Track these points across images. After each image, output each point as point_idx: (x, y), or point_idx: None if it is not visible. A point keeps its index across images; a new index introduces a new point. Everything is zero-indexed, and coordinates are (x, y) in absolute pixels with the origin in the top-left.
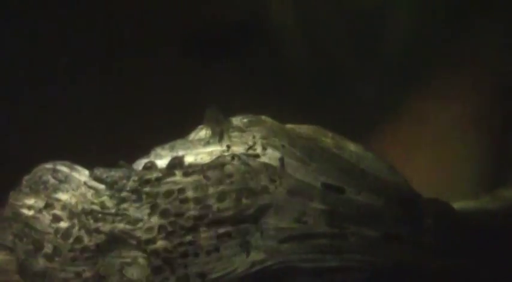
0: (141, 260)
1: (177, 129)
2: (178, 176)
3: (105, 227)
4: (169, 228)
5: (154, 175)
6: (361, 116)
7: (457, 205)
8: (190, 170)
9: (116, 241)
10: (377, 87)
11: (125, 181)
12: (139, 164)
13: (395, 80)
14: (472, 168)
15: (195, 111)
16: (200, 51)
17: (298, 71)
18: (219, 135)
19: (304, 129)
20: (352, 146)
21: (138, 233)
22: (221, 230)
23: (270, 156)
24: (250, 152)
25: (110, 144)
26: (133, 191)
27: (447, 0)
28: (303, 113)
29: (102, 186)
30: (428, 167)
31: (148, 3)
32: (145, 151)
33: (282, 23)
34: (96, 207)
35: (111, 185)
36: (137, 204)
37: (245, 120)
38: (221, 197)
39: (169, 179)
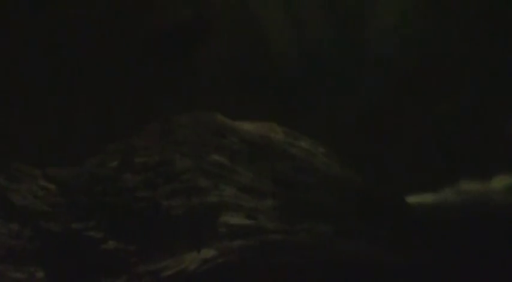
0: (93, 259)
1: (128, 128)
2: (129, 174)
3: (57, 227)
4: (120, 227)
5: (106, 174)
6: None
7: (414, 198)
8: (141, 168)
9: (68, 241)
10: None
11: (76, 180)
12: (91, 162)
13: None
14: (431, 161)
15: (148, 108)
16: (160, 50)
17: (251, 69)
18: (169, 134)
19: (255, 126)
20: (304, 142)
21: (90, 232)
22: (172, 228)
23: (221, 153)
24: (201, 150)
25: (61, 144)
26: (85, 190)
27: None
28: (258, 109)
29: (53, 186)
30: (384, 159)
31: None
32: (97, 150)
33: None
34: (48, 208)
35: (62, 185)
36: (87, 204)
37: (196, 117)
38: (172, 195)
39: (120, 178)
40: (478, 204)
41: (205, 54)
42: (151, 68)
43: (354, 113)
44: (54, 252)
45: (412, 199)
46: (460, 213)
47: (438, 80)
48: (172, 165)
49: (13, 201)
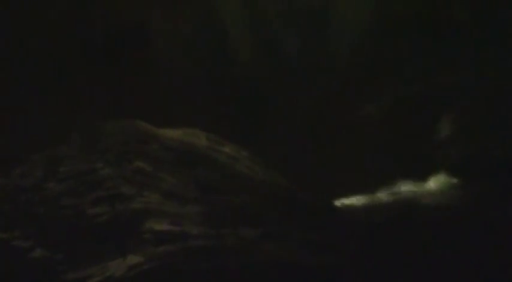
0: (20, 268)
1: (52, 136)
2: (53, 183)
3: None
4: (46, 236)
5: (30, 183)
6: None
7: (347, 201)
8: (64, 177)
9: None
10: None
11: (1, 190)
12: (15, 172)
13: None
14: (371, 163)
15: (75, 115)
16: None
17: (185, 75)
18: (92, 142)
19: (178, 133)
20: (227, 148)
21: (16, 241)
22: (97, 235)
23: (143, 160)
24: (123, 157)
25: None
26: (10, 199)
27: None
28: (206, 114)
29: None
30: (314, 162)
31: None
32: (21, 159)
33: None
34: None
35: None
36: (14, 213)
37: (118, 125)
38: (96, 203)
39: (44, 187)
40: (408, 205)
41: (147, 59)
42: (75, 72)
43: (299, 115)
44: None
45: (345, 201)
46: (389, 214)
47: (374, 79)
48: (96, 173)
49: None
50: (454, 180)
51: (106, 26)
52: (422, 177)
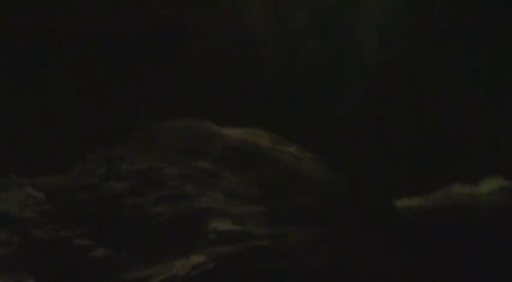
0: (82, 267)
1: (114, 135)
2: (115, 182)
3: (46, 235)
4: (109, 235)
5: (92, 181)
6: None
7: (402, 203)
8: (127, 176)
9: (57, 248)
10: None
11: (63, 188)
12: (77, 171)
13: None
14: (418, 164)
15: (132, 115)
16: (135, 54)
17: (237, 73)
18: (155, 141)
19: (241, 132)
20: (290, 148)
21: (78, 240)
22: (160, 235)
23: (207, 160)
24: (187, 156)
25: (47, 151)
26: (72, 197)
27: None
28: (245, 114)
29: (41, 194)
30: (372, 164)
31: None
32: (82, 157)
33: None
34: (36, 215)
35: (50, 193)
36: (75, 211)
37: (181, 124)
38: (159, 202)
39: (106, 185)
40: (466, 208)
41: (188, 58)
42: (133, 71)
43: (337, 116)
44: (42, 260)
45: (401, 203)
46: (448, 217)
47: (426, 82)
48: (159, 172)
49: (1, 209)
50: (508, 183)
51: (150, 25)
52: (474, 179)
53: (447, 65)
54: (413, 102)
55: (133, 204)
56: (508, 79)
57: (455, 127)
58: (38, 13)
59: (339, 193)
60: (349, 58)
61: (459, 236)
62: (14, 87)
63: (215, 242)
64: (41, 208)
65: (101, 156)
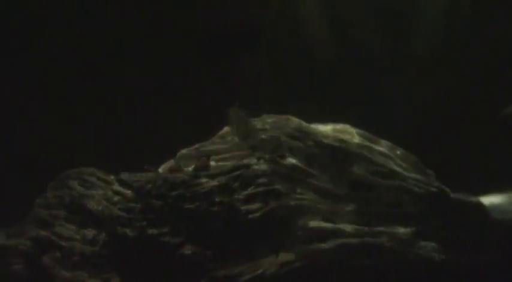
0: (170, 265)
1: (200, 131)
2: (204, 179)
3: (133, 233)
4: (198, 232)
5: (181, 179)
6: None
7: (486, 199)
8: (216, 173)
9: (144, 246)
10: (401, 85)
11: (151, 186)
12: (165, 167)
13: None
14: (503, 161)
15: (218, 112)
16: (212, 51)
17: (318, 68)
18: (244, 137)
19: (330, 128)
20: (380, 145)
21: (166, 238)
22: (250, 232)
23: (297, 156)
24: (277, 153)
25: (134, 149)
26: (160, 195)
27: None
28: (326, 110)
29: (128, 191)
30: (458, 161)
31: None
32: (170, 155)
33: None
34: (122, 213)
35: (137, 190)
36: (164, 209)
37: (270, 120)
38: (249, 199)
39: (195, 182)
40: None
41: (253, 59)
42: (204, 70)
43: (405, 112)
44: (129, 257)
45: (485, 200)
46: None
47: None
48: (249, 169)
49: (88, 207)
50: None
51: (220, 25)
52: None
53: None
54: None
55: (223, 202)
56: None
57: None
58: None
59: (428, 191)
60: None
61: None
62: (98, 85)
63: (304, 239)
64: (128, 206)
65: (188, 153)
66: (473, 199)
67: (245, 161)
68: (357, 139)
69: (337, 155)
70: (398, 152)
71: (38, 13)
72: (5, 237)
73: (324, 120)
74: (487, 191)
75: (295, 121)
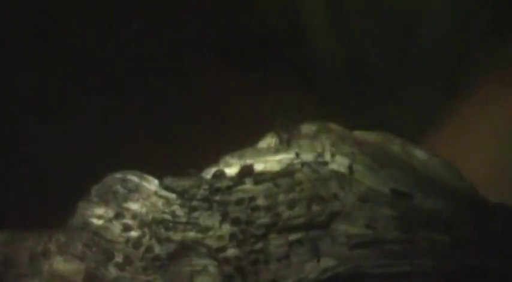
0: (211, 268)
1: (243, 137)
2: (248, 184)
3: (176, 236)
4: (240, 236)
5: (225, 183)
6: (408, 118)
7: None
8: (260, 178)
9: (186, 249)
10: (420, 89)
11: (195, 190)
12: (209, 172)
13: (439, 81)
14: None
15: (260, 117)
16: (242, 56)
17: (344, 76)
18: (288, 143)
19: (372, 135)
20: (419, 153)
21: (209, 242)
22: (292, 237)
23: (339, 163)
24: (320, 159)
25: (177, 153)
26: (204, 199)
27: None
28: (352, 117)
29: (172, 195)
30: (485, 170)
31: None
32: (213, 159)
33: (317, 25)
34: (167, 216)
35: (181, 194)
36: (208, 213)
37: (314, 127)
38: (292, 204)
39: (239, 187)
40: None
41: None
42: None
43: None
44: (172, 260)
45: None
46: None
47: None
48: (292, 174)
49: (132, 210)
50: None
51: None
52: None
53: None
54: None
55: (266, 207)
56: None
57: None
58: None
59: (466, 198)
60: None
61: None
62: (142, 88)
63: (345, 244)
64: (172, 209)
65: (231, 158)
66: (508, 206)
67: (289, 167)
68: (398, 146)
69: (379, 161)
70: (437, 160)
71: None
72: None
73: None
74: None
75: (338, 128)
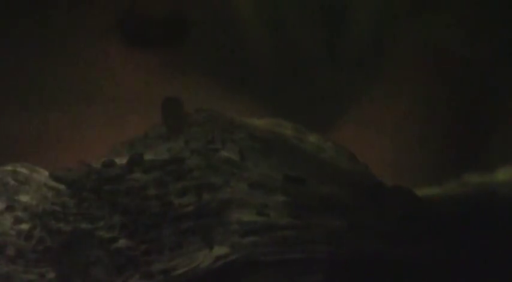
0: (105, 259)
1: (134, 125)
2: (138, 173)
3: (67, 227)
4: (131, 226)
5: (114, 173)
6: (322, 104)
7: (420, 192)
8: (150, 167)
9: (78, 241)
10: (336, 75)
11: (84, 180)
12: (98, 162)
13: (354, 68)
14: (434, 153)
15: (152, 106)
16: (145, 38)
17: (258, 62)
18: (177, 131)
19: (263, 121)
20: (312, 137)
21: (100, 232)
22: (183, 226)
23: (230, 149)
24: (211, 146)
25: (68, 143)
26: (94, 189)
27: None
28: (263, 105)
29: (62, 186)
30: (391, 154)
31: None
32: (104, 149)
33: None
34: (57, 208)
35: (71, 185)
36: (98, 203)
37: (203, 114)
38: (182, 192)
39: (129, 176)
40: (482, 196)
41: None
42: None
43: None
44: (64, 252)
45: (418, 192)
46: (465, 206)
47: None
48: (182, 162)
49: (23, 202)
50: None
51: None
52: (490, 168)
53: None
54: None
55: (157, 196)
56: None
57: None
58: None
59: (362, 183)
60: None
61: (476, 226)
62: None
63: (238, 232)
64: (62, 200)
65: (122, 148)
66: (409, 191)
67: (179, 155)
68: (290, 131)
69: (271, 147)
70: (330, 144)
71: None
72: None
73: (258, 116)
74: (423, 184)
75: (228, 115)
